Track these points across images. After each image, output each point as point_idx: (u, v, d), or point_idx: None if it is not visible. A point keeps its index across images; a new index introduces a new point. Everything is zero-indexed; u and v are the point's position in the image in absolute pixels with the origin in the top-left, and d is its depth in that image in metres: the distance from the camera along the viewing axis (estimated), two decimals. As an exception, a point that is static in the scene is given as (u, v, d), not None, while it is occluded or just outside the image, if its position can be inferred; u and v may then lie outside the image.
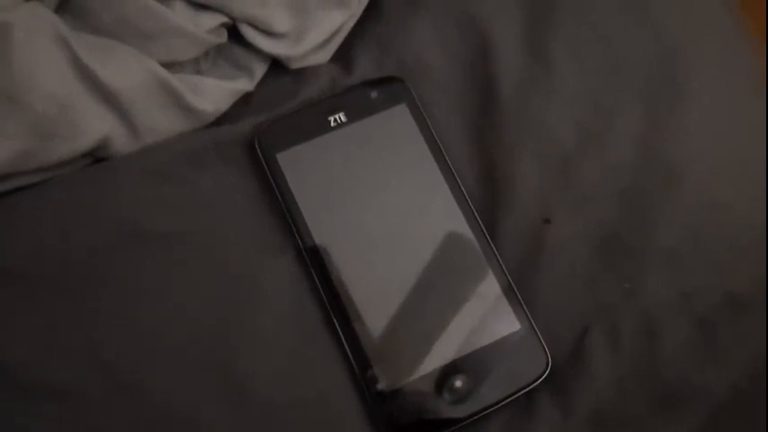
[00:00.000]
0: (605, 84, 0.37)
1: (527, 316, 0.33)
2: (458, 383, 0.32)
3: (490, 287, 0.34)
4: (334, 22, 0.37)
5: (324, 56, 0.38)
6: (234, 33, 0.36)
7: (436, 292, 0.34)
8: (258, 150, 0.35)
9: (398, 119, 0.36)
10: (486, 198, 0.36)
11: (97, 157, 0.34)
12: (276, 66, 0.37)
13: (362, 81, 0.37)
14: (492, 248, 0.34)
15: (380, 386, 0.32)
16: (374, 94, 0.36)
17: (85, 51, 0.31)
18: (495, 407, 0.32)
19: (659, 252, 0.35)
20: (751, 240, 0.35)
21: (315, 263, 0.33)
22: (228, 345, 0.31)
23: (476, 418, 0.32)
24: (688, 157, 0.36)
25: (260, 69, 0.37)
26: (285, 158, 0.35)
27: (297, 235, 0.34)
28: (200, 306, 0.32)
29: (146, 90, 0.33)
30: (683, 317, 0.34)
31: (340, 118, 0.36)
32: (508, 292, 0.34)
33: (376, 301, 0.33)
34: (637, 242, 0.35)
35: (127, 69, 0.32)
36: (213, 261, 0.33)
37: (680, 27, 0.38)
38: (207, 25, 0.34)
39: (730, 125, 0.37)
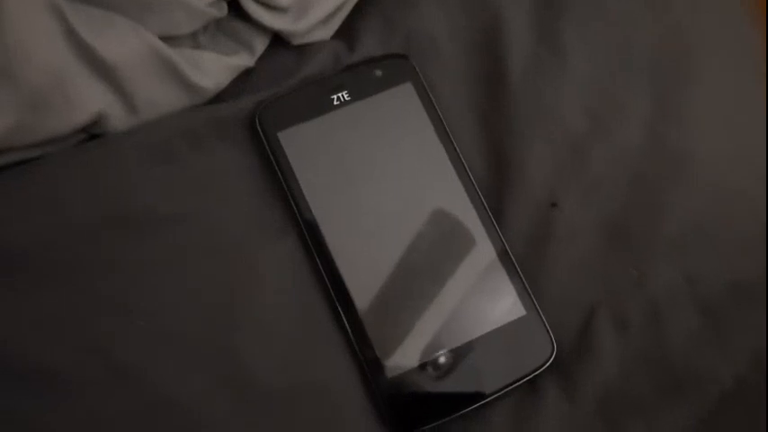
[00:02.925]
0: (615, 70, 0.36)
1: (533, 302, 0.33)
2: (462, 369, 0.32)
3: (496, 272, 0.33)
4: (338, -2, 0.36)
5: (327, 32, 0.37)
6: (234, 7, 0.35)
7: (440, 276, 0.33)
8: (259, 129, 0.34)
9: (403, 98, 0.35)
10: (492, 182, 0.35)
11: (92, 133, 0.33)
12: (277, 41, 0.36)
13: (367, 59, 0.36)
14: (498, 233, 0.34)
15: (384, 371, 0.31)
16: (379, 73, 0.35)
17: (81, 23, 0.30)
18: (500, 393, 0.32)
19: (666, 239, 0.34)
20: (758, 229, 0.35)
21: (317, 245, 0.33)
22: (229, 330, 0.31)
23: (481, 403, 0.31)
24: (696, 145, 0.36)
25: (261, 45, 0.36)
26: (287, 137, 0.34)
27: (298, 216, 0.33)
28: (199, 290, 0.31)
29: (144, 64, 0.32)
30: (689, 304, 0.34)
31: (343, 96, 0.35)
32: (514, 277, 0.33)
33: (378, 284, 0.33)
34: (643, 229, 0.34)
35: (124, 42, 0.31)
36: (213, 243, 0.32)
37: (690, 15, 0.38)
38: (207, -2, 0.33)
39: (739, 113, 0.37)
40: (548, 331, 0.33)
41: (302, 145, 0.34)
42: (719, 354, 0.33)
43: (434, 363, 0.32)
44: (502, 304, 0.33)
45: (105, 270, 0.31)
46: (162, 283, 0.31)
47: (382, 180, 0.34)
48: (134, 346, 0.30)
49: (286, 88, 0.35)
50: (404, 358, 0.32)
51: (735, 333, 0.33)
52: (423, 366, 0.32)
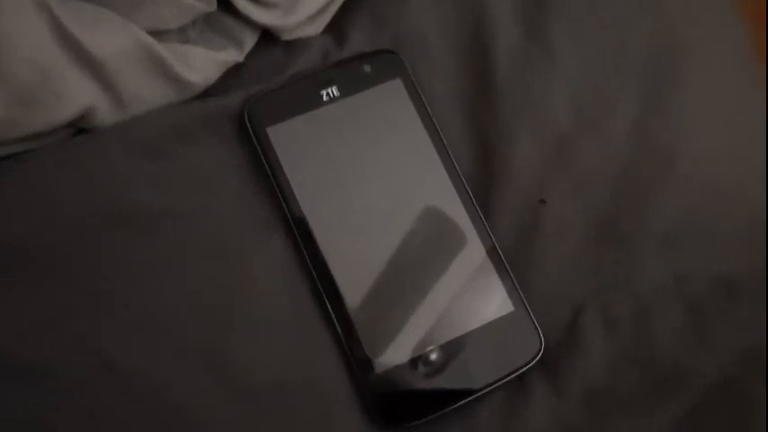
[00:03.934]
0: (604, 66, 0.36)
1: (521, 298, 0.33)
2: (450, 365, 0.32)
3: (484, 268, 0.33)
4: (327, -7, 0.36)
5: (316, 27, 0.37)
6: (223, 2, 0.34)
7: (429, 272, 0.33)
8: (248, 124, 0.34)
9: (393, 94, 0.35)
10: (480, 177, 0.35)
11: (80, 127, 0.33)
12: (266, 37, 0.36)
13: (356, 54, 0.36)
14: (486, 229, 0.34)
15: (372, 367, 0.31)
16: (368, 68, 0.35)
17: (68, 17, 0.30)
18: (488, 389, 0.32)
19: (654, 236, 0.34)
20: (746, 226, 0.35)
21: (305, 240, 0.33)
22: (220, 327, 0.31)
23: (469, 399, 0.32)
24: (685, 142, 0.36)
25: (250, 40, 0.36)
26: (276, 133, 0.34)
27: (287, 212, 0.33)
28: (190, 287, 0.31)
29: (131, 59, 0.32)
30: (676, 301, 0.34)
31: (332, 92, 0.35)
32: (502, 273, 0.33)
33: (367, 280, 0.33)
34: (632, 226, 0.34)
35: (111, 37, 0.31)
36: (202, 240, 0.32)
37: (681, 12, 0.38)
38: (196, -8, 0.33)
39: (729, 112, 0.37)
40: (535, 327, 0.33)
41: (291, 140, 0.34)
42: (706, 349, 0.33)
43: (422, 359, 0.32)
44: (490, 300, 0.33)
45: (95, 267, 0.30)
46: (153, 279, 0.31)
47: (371, 176, 0.34)
48: (126, 343, 0.30)
49: (275, 84, 0.35)
50: (392, 354, 0.32)
51: (722, 329, 0.33)
52: (411, 362, 0.32)
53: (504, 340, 0.33)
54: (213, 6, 0.34)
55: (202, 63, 0.34)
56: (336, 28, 0.37)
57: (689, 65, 0.37)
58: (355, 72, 0.35)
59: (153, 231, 0.31)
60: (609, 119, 0.36)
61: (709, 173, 0.36)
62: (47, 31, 0.30)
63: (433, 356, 0.32)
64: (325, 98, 0.35)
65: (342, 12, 0.37)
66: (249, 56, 0.36)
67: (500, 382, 0.32)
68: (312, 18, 0.36)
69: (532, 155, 0.35)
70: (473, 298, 0.33)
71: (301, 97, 0.34)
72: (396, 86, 0.35)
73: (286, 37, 0.36)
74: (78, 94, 0.31)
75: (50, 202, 0.31)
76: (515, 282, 0.33)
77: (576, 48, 0.37)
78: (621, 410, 0.32)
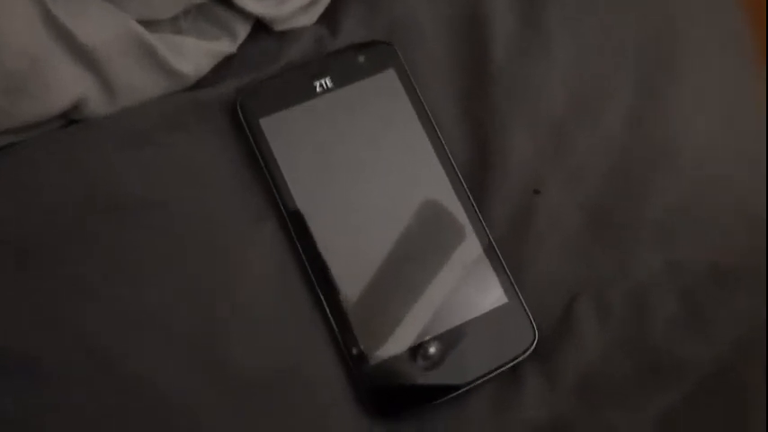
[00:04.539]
0: (600, 57, 0.36)
1: (514, 289, 0.33)
2: (444, 357, 0.32)
3: (477, 259, 0.33)
4: (321, -17, 0.35)
5: (309, 17, 0.36)
6: (216, -8, 0.34)
7: (422, 263, 0.33)
8: (240, 115, 0.33)
9: (386, 85, 0.35)
10: (475, 168, 0.35)
11: (71, 118, 0.33)
12: (259, 27, 0.36)
13: (350, 45, 0.36)
14: (480, 219, 0.34)
15: (366, 358, 0.31)
16: (362, 59, 0.35)
17: (59, 6, 0.30)
18: (481, 380, 0.32)
19: (649, 225, 0.34)
20: (740, 214, 0.35)
21: (298, 232, 0.33)
22: (212, 317, 0.31)
23: (462, 390, 0.31)
24: (680, 130, 0.36)
25: (243, 31, 0.35)
26: (268, 124, 0.34)
27: (280, 203, 0.33)
28: (181, 278, 0.31)
29: (123, 49, 0.31)
30: (670, 289, 0.34)
31: (326, 83, 0.34)
32: (496, 264, 0.33)
33: (361, 272, 0.32)
34: (626, 214, 0.35)
35: (103, 26, 0.31)
36: (194, 230, 0.32)
37: (680, 6, 0.38)
38: (188, -18, 0.33)
39: (724, 101, 0.37)
40: (529, 319, 0.33)
41: (284, 131, 0.34)
42: (701, 338, 0.33)
43: (416, 350, 0.32)
44: (484, 292, 0.33)
45: (86, 257, 0.30)
46: (144, 270, 0.31)
47: (365, 168, 0.34)
48: (117, 335, 0.30)
49: (267, 74, 0.35)
50: (386, 345, 0.32)
51: (717, 318, 0.33)
52: (404, 353, 0.32)
53: (499, 332, 0.32)
54: (205, -4, 0.34)
55: (195, 54, 0.33)
56: (330, 17, 0.37)
57: (686, 58, 0.37)
58: (349, 63, 0.35)
59: (148, 225, 0.31)
60: (604, 109, 0.36)
61: (704, 163, 0.36)
62: (38, 21, 0.29)
63: (427, 347, 0.32)
64: (318, 89, 0.34)
65: (335, 1, 0.37)
66: (242, 46, 0.35)
67: (494, 373, 0.32)
68: (305, 8, 0.36)
69: (527, 145, 0.35)
70: (467, 289, 0.33)
71: (294, 88, 0.34)
72: (390, 77, 0.35)
73: (279, 27, 0.36)
74: (69, 85, 0.31)
75: (43, 196, 0.31)
76: (509, 273, 0.33)
77: (573, 38, 0.36)
78: (615, 400, 0.32)
